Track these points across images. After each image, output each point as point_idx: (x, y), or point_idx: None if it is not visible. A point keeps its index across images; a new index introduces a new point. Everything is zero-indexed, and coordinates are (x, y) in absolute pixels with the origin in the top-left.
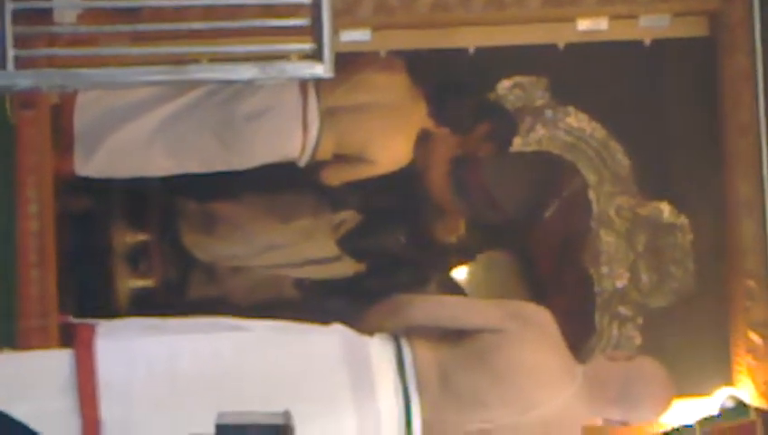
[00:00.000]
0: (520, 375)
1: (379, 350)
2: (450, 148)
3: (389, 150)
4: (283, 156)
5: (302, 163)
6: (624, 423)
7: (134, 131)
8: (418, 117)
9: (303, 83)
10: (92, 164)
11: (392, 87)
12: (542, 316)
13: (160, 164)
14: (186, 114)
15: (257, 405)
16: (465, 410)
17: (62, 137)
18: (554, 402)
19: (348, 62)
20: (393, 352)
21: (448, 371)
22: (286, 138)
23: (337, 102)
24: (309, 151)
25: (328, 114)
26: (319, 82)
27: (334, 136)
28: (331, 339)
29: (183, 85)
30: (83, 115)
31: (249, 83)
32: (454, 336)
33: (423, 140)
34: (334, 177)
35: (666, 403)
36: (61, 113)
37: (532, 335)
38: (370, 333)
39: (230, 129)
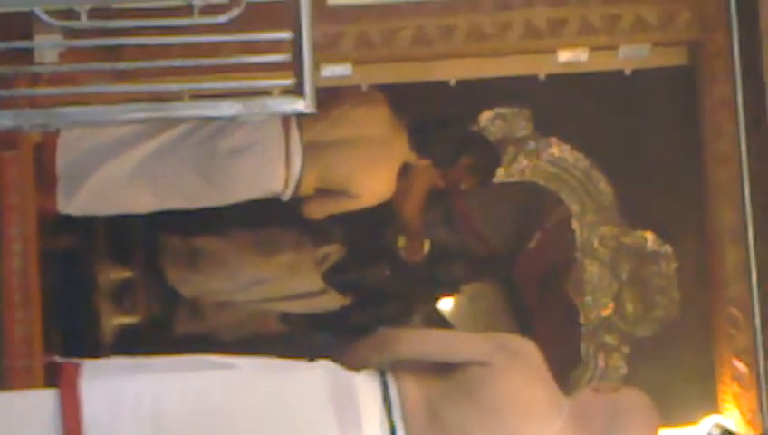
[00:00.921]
0: (507, 409)
1: (365, 386)
2: (433, 180)
3: (372, 184)
4: (266, 191)
5: (286, 198)
6: None
7: (116, 169)
8: (400, 150)
9: (285, 118)
10: (75, 202)
11: (374, 120)
12: (528, 349)
13: (143, 201)
14: (168, 151)
15: None
16: None
17: (45, 175)
18: None
19: (330, 97)
20: (379, 388)
21: (435, 405)
22: (269, 173)
23: (319, 137)
24: (292, 186)
25: (310, 149)
26: (301, 117)
27: (317, 170)
28: (318, 376)
29: (165, 122)
30: (66, 153)
31: (231, 120)
32: (440, 370)
33: (406, 172)
34: (317, 211)
35: None
36: (43, 152)
37: (519, 368)
38: (357, 368)
39: (213, 164)
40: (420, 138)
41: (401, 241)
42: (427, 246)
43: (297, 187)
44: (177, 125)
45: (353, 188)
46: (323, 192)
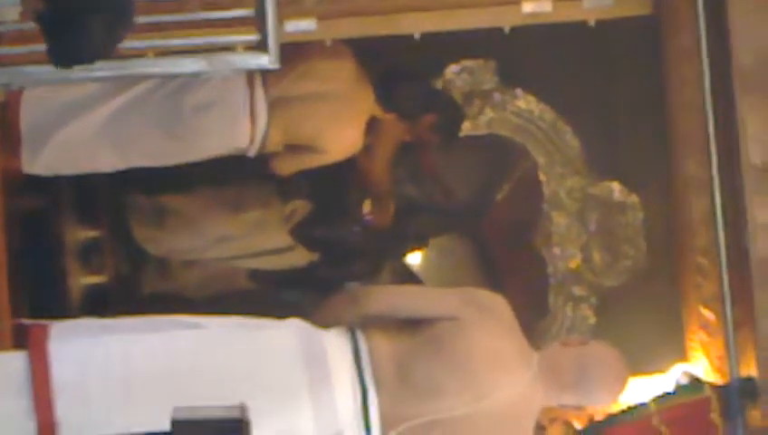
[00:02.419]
0: (476, 362)
1: (335, 343)
2: (399, 134)
3: (339, 139)
4: (231, 147)
5: (252, 154)
6: (579, 408)
7: (81, 127)
8: (367, 104)
9: (250, 74)
10: (40, 161)
11: (339, 75)
12: (497, 303)
13: (108, 159)
14: (132, 108)
15: (213, 402)
16: (421, 399)
17: (9, 135)
18: (511, 389)
19: (294, 52)
20: (349, 345)
21: (405, 361)
22: (234, 129)
23: (284, 92)
24: (258, 142)
25: (276, 104)
26: (266, 73)
27: (283, 126)
28: (287, 333)
29: (129, 80)
30: (30, 112)
31: (196, 76)
32: (410, 326)
33: (372, 126)
34: (284, 167)
35: (620, 387)
36: (7, 111)
37: (488, 322)
38: (327, 326)
39: (177, 122)
40: (386, 92)
41: (367, 206)
42: (392, 210)
43: (263, 143)
44: (142, 83)
45: (320, 143)
46: (290, 148)
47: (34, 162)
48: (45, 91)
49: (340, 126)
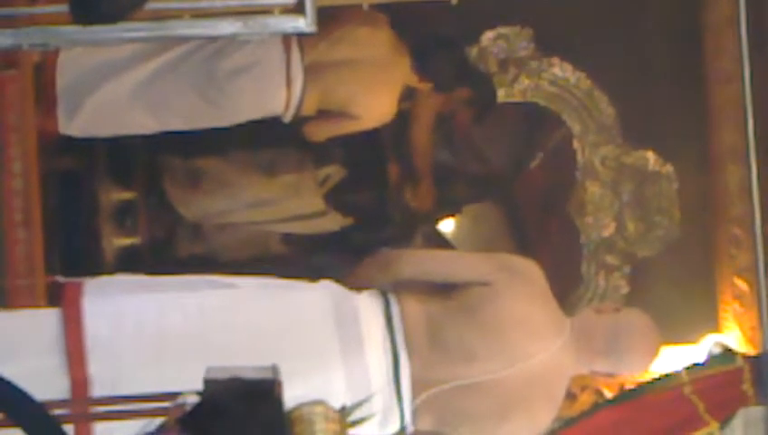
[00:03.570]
0: (508, 328)
1: (367, 305)
2: (435, 104)
3: (373, 106)
4: (267, 112)
5: (287, 119)
6: (611, 375)
7: (116, 90)
8: (402, 71)
9: (287, 39)
10: (75, 123)
11: (375, 42)
12: (530, 269)
13: (143, 122)
14: (168, 71)
15: (246, 362)
16: (453, 363)
17: (45, 96)
18: (542, 355)
19: (330, 17)
20: (381, 308)
21: (437, 325)
22: (270, 94)
23: (320, 58)
24: (293, 107)
25: (312, 70)
26: (302, 38)
27: (318, 92)
28: (320, 295)
29: (165, 41)
30: (65, 74)
31: (232, 38)
32: (442, 290)
33: (407, 94)
34: (318, 132)
35: (652, 355)
36: (43, 73)
37: (521, 288)
38: (359, 288)
39: (213, 85)
40: (422, 60)
41: (408, 192)
42: (433, 193)
43: (298, 108)
44: (177, 46)
45: (353, 109)
46: (325, 114)
47: (70, 124)
48: (81, 53)
49: (374, 93)
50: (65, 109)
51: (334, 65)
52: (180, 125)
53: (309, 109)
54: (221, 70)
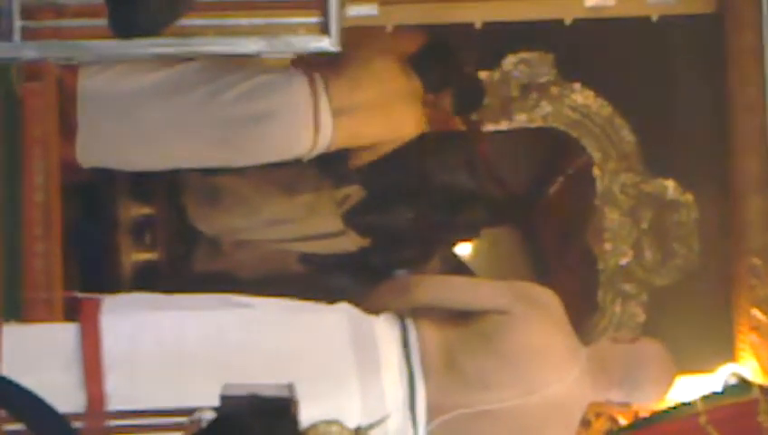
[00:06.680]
0: (525, 357)
1: (384, 329)
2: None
3: (404, 130)
4: (290, 155)
5: (306, 159)
6: (627, 405)
7: (132, 127)
8: (414, 87)
9: (313, 83)
10: (92, 156)
11: (392, 72)
12: (548, 298)
13: (155, 162)
14: (191, 110)
15: (262, 382)
16: (469, 391)
17: (66, 120)
18: (558, 384)
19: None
20: (398, 333)
21: (454, 351)
22: (295, 138)
23: (345, 102)
24: (319, 150)
25: (338, 113)
26: (328, 84)
27: (347, 135)
28: (338, 318)
29: (189, 56)
30: (85, 105)
31: (255, 56)
32: (460, 317)
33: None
34: (362, 159)
35: (668, 386)
36: (63, 95)
37: (539, 317)
38: (376, 312)
39: (235, 131)
40: (417, 64)
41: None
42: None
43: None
44: (197, 87)
45: (387, 138)
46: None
47: (87, 156)
48: (103, 85)
49: (402, 122)
50: (82, 140)
51: (358, 108)
52: (197, 164)
53: (336, 147)
54: (245, 114)
